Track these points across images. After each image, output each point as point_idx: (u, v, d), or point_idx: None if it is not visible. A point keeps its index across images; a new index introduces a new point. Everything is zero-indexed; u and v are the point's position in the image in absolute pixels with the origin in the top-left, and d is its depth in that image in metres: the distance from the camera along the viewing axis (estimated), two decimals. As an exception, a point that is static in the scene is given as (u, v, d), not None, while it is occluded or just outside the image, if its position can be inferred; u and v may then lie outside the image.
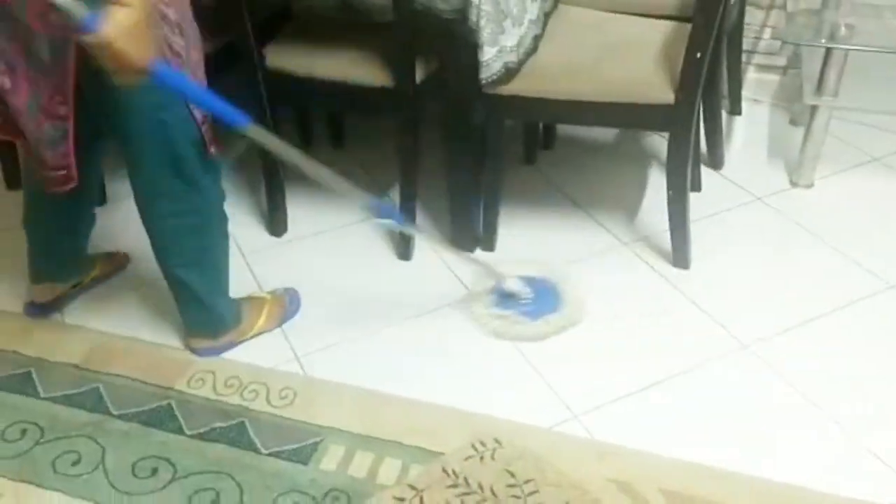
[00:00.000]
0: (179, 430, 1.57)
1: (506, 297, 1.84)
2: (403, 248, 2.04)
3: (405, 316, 1.86)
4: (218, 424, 1.58)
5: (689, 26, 1.67)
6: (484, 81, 1.71)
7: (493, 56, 1.68)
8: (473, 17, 1.63)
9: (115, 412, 1.61)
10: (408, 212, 1.99)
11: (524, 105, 1.80)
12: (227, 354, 1.75)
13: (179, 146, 1.45)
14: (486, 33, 1.65)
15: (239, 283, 1.95)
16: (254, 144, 1.54)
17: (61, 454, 1.53)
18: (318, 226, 2.17)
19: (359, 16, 1.77)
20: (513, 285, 1.84)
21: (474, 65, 1.72)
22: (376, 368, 1.72)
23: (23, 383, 1.68)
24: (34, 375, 1.70)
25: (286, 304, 1.87)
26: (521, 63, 1.76)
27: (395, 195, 2.26)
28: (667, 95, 1.71)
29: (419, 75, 1.81)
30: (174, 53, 1.34)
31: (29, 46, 1.32)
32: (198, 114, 1.44)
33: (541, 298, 1.85)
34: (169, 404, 1.63)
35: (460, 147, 1.90)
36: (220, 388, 1.67)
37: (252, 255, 2.07)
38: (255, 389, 1.66)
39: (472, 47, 1.69)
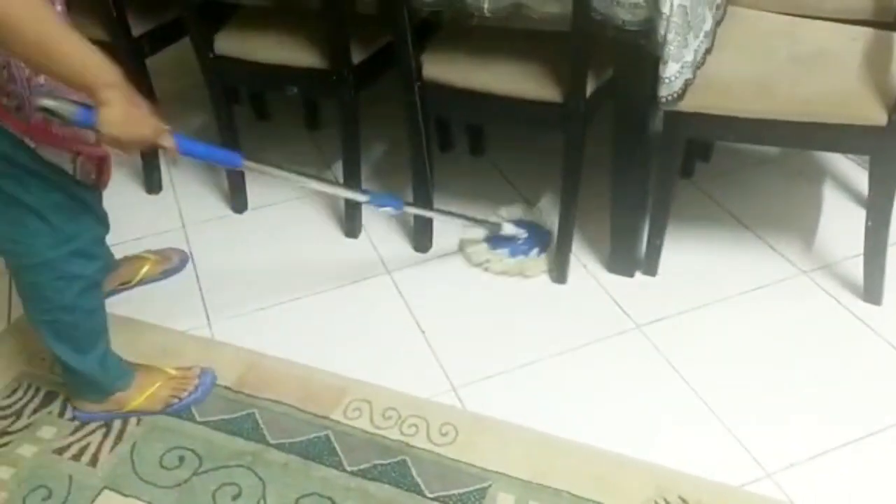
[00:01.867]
0: (339, 466, 1.50)
1: (502, 240, 1.99)
2: (559, 269, 1.91)
3: (563, 347, 1.74)
4: (378, 461, 1.51)
5: (894, 35, 1.48)
6: (664, 100, 1.56)
7: (675, 72, 1.53)
8: (662, 31, 1.48)
9: (272, 441, 1.56)
10: (567, 230, 1.86)
11: (707, 123, 1.64)
12: (381, 381, 1.68)
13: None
14: (672, 48, 1.49)
15: (387, 303, 1.88)
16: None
17: (221, 486, 1.48)
18: (464, 242, 2.07)
19: (530, 23, 1.64)
20: (509, 230, 1.98)
21: (653, 80, 1.58)
22: (537, 405, 1.61)
23: (177, 407, 1.64)
24: (188, 398, 1.66)
25: (186, 390, 1.64)
26: (694, 77, 1.61)
27: (542, 208, 2.14)
28: (879, 116, 1.53)
29: (590, 88, 1.68)
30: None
31: None
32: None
33: (535, 236, 2.00)
34: (327, 436, 1.56)
35: (630, 165, 1.76)
36: (378, 419, 1.59)
37: (398, 272, 1.98)
38: (415, 424, 1.58)
39: (653, 61, 1.54)
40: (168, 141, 1.29)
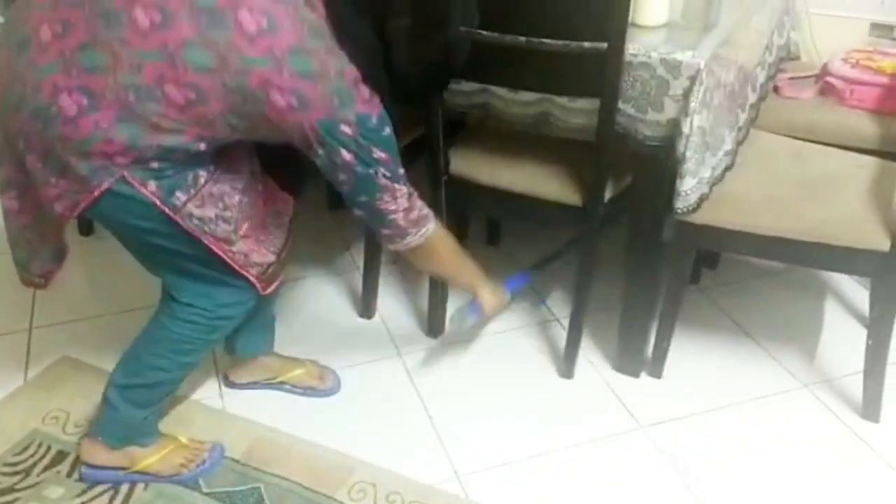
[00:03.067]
0: (341, 547, 1.52)
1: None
2: (566, 365, 1.96)
3: (568, 443, 1.77)
4: (380, 546, 1.52)
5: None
6: (680, 212, 1.64)
7: (692, 187, 1.62)
8: (681, 148, 1.57)
9: (276, 517, 1.57)
10: (577, 326, 1.92)
11: (717, 235, 1.72)
12: (386, 464, 1.70)
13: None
14: (690, 164, 1.58)
15: (395, 386, 1.92)
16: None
17: (223, 559, 1.50)
18: (475, 331, 2.12)
19: (555, 132, 1.73)
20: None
21: (669, 191, 1.67)
22: (538, 499, 1.63)
23: (187, 477, 1.66)
24: (197, 467, 1.68)
25: (195, 462, 1.68)
26: (710, 192, 1.69)
27: (551, 303, 2.21)
28: (881, 242, 1.60)
29: (608, 193, 1.76)
30: (219, 239, 1.45)
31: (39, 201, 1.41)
32: (252, 272, 1.53)
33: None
34: (330, 515, 1.58)
35: (642, 269, 1.82)
36: (382, 502, 1.61)
37: (409, 356, 2.03)
38: (417, 510, 1.60)
39: (670, 173, 1.63)
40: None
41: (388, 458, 1.71)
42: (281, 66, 1.23)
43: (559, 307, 2.20)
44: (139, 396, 1.61)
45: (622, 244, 1.82)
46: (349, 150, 1.32)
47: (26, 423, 1.79)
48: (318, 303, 2.23)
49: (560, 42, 1.56)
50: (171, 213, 1.37)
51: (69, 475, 1.66)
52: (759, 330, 2.10)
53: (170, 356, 1.59)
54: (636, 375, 1.95)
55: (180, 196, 1.37)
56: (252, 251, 1.52)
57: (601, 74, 1.55)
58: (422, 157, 1.93)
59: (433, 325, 2.09)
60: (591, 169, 1.71)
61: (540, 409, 1.87)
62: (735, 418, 1.84)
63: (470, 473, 1.69)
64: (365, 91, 1.32)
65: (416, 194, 1.48)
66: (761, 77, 1.95)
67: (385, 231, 1.48)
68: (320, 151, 1.32)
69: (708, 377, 1.96)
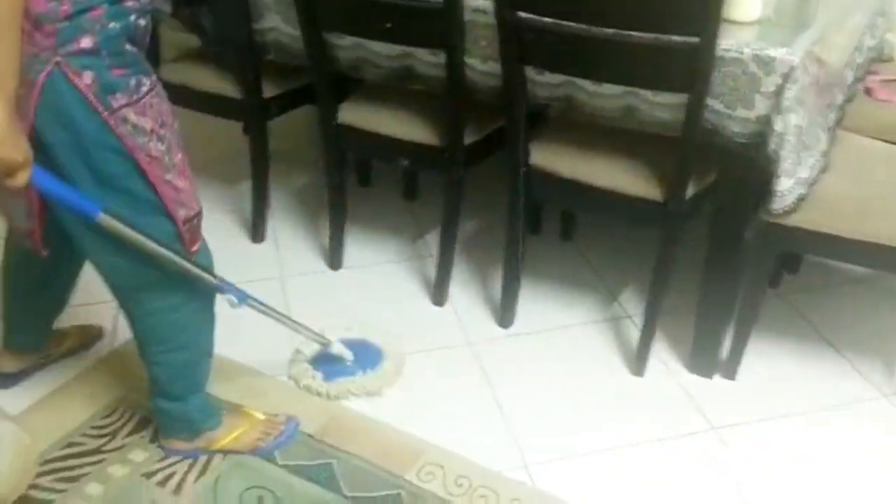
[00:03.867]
0: (410, 526, 1.55)
1: (330, 360, 1.90)
2: (638, 362, 1.94)
3: (636, 439, 1.76)
4: (448, 527, 1.54)
5: None
6: (775, 212, 1.62)
7: (789, 187, 1.59)
8: (773, 146, 1.55)
9: (347, 493, 1.61)
10: (650, 324, 1.90)
11: (807, 238, 1.68)
12: (456, 448, 1.72)
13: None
14: (786, 164, 1.56)
15: (466, 374, 1.94)
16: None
17: (296, 529, 1.54)
18: (547, 322, 2.12)
19: (640, 126, 1.73)
20: (337, 349, 1.90)
21: (756, 191, 1.64)
22: (605, 493, 1.63)
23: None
24: (272, 439, 1.74)
25: (272, 436, 1.72)
26: (807, 194, 1.66)
27: (623, 300, 2.19)
28: (979, 252, 1.55)
29: (690, 190, 1.74)
30: (152, 158, 1.36)
31: None
32: (180, 214, 1.43)
33: (363, 359, 1.92)
34: (399, 494, 1.61)
35: (721, 269, 1.80)
36: (451, 485, 1.63)
37: (479, 345, 2.05)
38: (485, 495, 1.61)
39: (765, 174, 1.61)
40: (28, 174, 1.26)
41: (457, 442, 1.73)
42: None
43: (632, 304, 2.18)
44: (179, 389, 1.62)
45: (699, 241, 1.80)
46: None
47: (114, 388, 1.87)
48: (391, 289, 2.27)
49: (650, 35, 1.55)
50: (105, 113, 1.28)
51: (152, 441, 1.73)
52: (839, 337, 2.05)
53: (169, 342, 1.56)
54: (709, 377, 1.93)
55: (119, 97, 1.30)
56: (184, 190, 1.43)
57: (691, 69, 1.54)
58: (502, 149, 1.95)
59: (505, 315, 2.10)
60: (674, 164, 1.70)
61: (609, 404, 1.86)
62: (810, 425, 1.80)
63: (537, 463, 1.70)
64: None
65: None
66: (849, 78, 1.90)
67: None
68: None
69: (783, 382, 1.92)
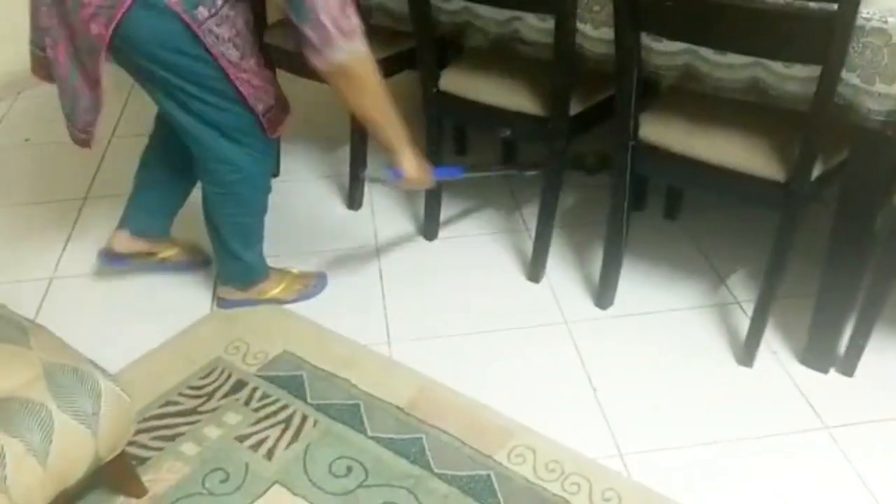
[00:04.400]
0: (499, 509, 1.51)
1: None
2: (746, 352, 1.83)
3: (741, 434, 1.66)
4: (538, 513, 1.50)
5: None
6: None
7: (926, 171, 1.44)
8: (915, 126, 1.40)
9: (436, 469, 1.58)
10: (763, 311, 1.78)
11: (945, 229, 1.53)
12: (548, 431, 1.67)
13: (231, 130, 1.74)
14: (925, 145, 1.41)
15: (560, 354, 1.88)
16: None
17: (383, 503, 1.52)
18: (648, 305, 2.02)
19: (765, 99, 1.60)
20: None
21: (891, 175, 1.50)
22: (707, 489, 1.55)
23: (352, 416, 1.70)
24: (362, 410, 1.72)
25: (310, 285, 2.07)
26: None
27: (732, 284, 2.07)
28: None
29: (816, 171, 1.61)
30: (231, 62, 1.62)
31: (73, 34, 1.60)
32: (259, 107, 1.71)
33: None
34: (489, 476, 1.57)
35: (845, 256, 1.66)
36: (541, 470, 1.58)
37: (575, 325, 1.97)
38: (577, 482, 1.55)
39: (894, 153, 1.47)
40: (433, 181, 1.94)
41: (549, 426, 1.68)
42: None
43: (741, 289, 2.06)
44: (248, 242, 1.94)
45: (820, 221, 1.66)
46: None
47: (211, 350, 1.90)
48: (487, 261, 2.21)
49: (781, 0, 1.42)
50: (194, 25, 1.53)
51: (247, 403, 1.74)
52: (974, 336, 1.88)
53: (236, 209, 1.87)
54: (825, 371, 1.80)
55: (202, 11, 1.53)
56: (259, 87, 1.69)
57: (827, 39, 1.40)
58: (610, 119, 1.85)
59: (605, 295, 2.01)
60: (799, 142, 1.57)
61: (713, 395, 1.76)
62: (937, 431, 1.66)
63: (633, 453, 1.63)
64: None
65: (352, 4, 1.53)
66: None
67: (309, 32, 1.51)
68: None
69: (906, 381, 1.77)
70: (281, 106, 1.80)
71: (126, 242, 2.09)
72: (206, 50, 1.58)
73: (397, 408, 1.72)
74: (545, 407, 1.74)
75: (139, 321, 2.01)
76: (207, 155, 1.77)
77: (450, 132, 2.70)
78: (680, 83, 1.70)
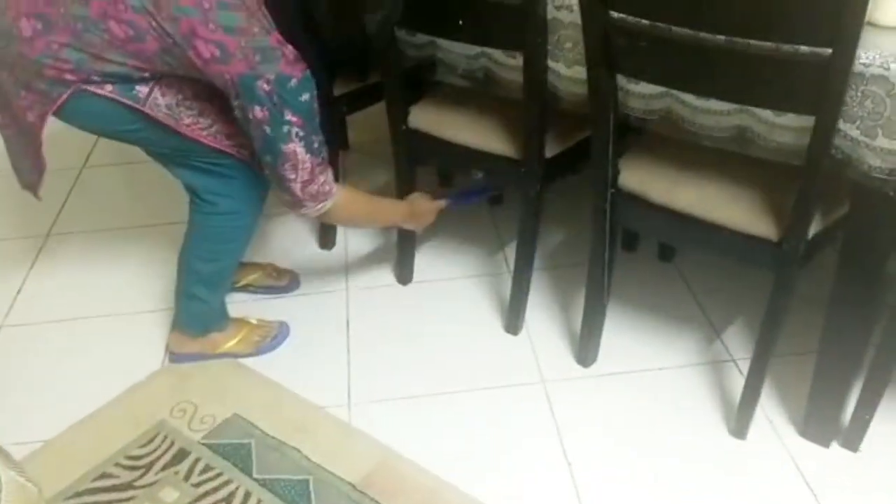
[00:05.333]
0: None
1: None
2: (740, 423, 1.65)
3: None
4: None
5: None
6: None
7: (934, 234, 1.27)
8: (922, 186, 1.22)
9: (386, 561, 1.43)
10: (757, 377, 1.61)
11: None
12: (510, 491, 1.51)
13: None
14: (936, 205, 1.23)
15: (534, 422, 1.72)
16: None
17: None
18: (634, 362, 1.85)
19: (754, 150, 1.43)
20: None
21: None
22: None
23: (299, 494, 1.55)
24: (311, 486, 1.57)
25: (269, 337, 1.94)
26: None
27: (728, 339, 1.90)
28: None
29: (813, 229, 1.44)
30: (189, 126, 1.56)
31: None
32: (244, 153, 1.63)
33: None
34: (444, 569, 1.41)
35: (846, 319, 1.49)
36: (503, 562, 1.42)
37: (553, 385, 1.81)
38: (543, 578, 1.39)
39: (897, 210, 1.29)
40: (441, 209, 1.94)
41: (517, 501, 1.52)
42: (207, 17, 1.36)
43: (738, 344, 1.88)
44: (215, 284, 1.83)
45: (825, 272, 1.48)
46: (263, 108, 1.42)
47: (156, 411, 1.76)
48: (462, 309, 2.05)
49: (769, 44, 1.25)
50: (137, 105, 1.49)
51: (186, 478, 1.60)
52: None
53: (217, 246, 1.77)
54: (826, 445, 1.62)
55: (141, 89, 1.48)
56: (231, 132, 1.59)
57: (821, 87, 1.23)
58: (587, 164, 1.69)
59: (586, 351, 1.85)
60: (791, 196, 1.39)
61: (700, 469, 1.59)
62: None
63: (607, 531, 1.47)
64: (290, 53, 1.42)
65: (324, 170, 1.55)
66: None
67: (284, 195, 1.57)
68: (236, 103, 1.43)
69: (920, 459, 1.59)
70: None
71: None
72: (160, 123, 1.53)
73: (350, 485, 1.57)
74: (513, 483, 1.58)
75: (89, 376, 1.88)
76: (201, 200, 1.72)
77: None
78: (660, 129, 1.54)
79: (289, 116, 1.44)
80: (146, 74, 1.47)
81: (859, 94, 1.24)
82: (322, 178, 1.56)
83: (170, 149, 1.62)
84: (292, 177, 1.51)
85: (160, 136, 1.57)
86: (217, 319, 1.90)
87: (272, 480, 1.58)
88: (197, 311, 1.87)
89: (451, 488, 1.56)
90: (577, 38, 1.52)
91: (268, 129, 1.45)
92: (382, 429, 1.70)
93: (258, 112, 1.43)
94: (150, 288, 2.15)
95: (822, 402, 1.60)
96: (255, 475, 1.60)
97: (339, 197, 1.62)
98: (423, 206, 1.90)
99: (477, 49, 1.71)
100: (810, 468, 1.58)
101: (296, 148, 1.47)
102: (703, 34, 1.30)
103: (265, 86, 1.40)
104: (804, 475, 1.57)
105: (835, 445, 1.62)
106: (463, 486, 1.56)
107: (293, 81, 1.42)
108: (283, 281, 2.14)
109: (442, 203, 1.94)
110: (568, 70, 1.59)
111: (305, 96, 1.45)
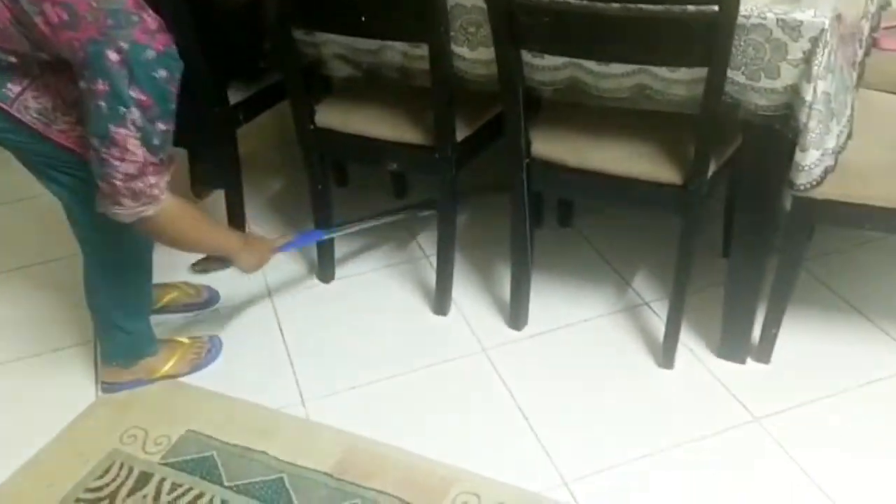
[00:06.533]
0: (451, 568, 1.42)
1: None
2: (666, 355, 1.83)
3: (678, 440, 1.64)
4: (493, 564, 1.42)
5: None
6: (802, 188, 1.50)
7: (815, 160, 1.47)
8: (803, 118, 1.42)
9: (379, 537, 1.48)
10: (676, 313, 1.78)
11: (840, 211, 1.57)
12: (485, 471, 1.59)
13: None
14: (813, 135, 1.43)
15: (484, 385, 1.81)
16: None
17: (328, 586, 1.40)
18: (561, 319, 1.99)
19: (653, 105, 1.59)
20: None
21: (781, 163, 1.52)
22: (655, 500, 1.52)
23: (277, 492, 1.57)
24: (287, 483, 1.59)
25: (203, 353, 1.91)
26: (835, 165, 1.54)
27: (638, 286, 2.07)
28: None
29: (711, 168, 1.62)
30: (60, 132, 1.45)
31: None
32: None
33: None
34: (436, 532, 1.48)
35: (747, 248, 1.68)
36: (487, 516, 1.51)
37: (493, 350, 1.91)
38: (528, 521, 1.49)
39: (784, 143, 1.49)
40: (280, 243, 1.85)
41: (488, 464, 1.61)
42: None
43: (648, 289, 2.06)
44: (124, 308, 1.77)
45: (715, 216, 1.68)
46: (106, 80, 1.27)
47: (104, 443, 1.71)
48: (391, 297, 2.12)
49: (661, 7, 1.41)
50: (4, 105, 1.38)
51: (156, 498, 1.57)
52: (869, 304, 1.95)
53: (119, 272, 1.72)
54: (742, 362, 1.82)
55: (12, 87, 1.38)
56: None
57: (710, 41, 1.40)
58: (500, 139, 1.80)
59: (517, 316, 1.97)
60: (692, 144, 1.57)
61: (642, 403, 1.75)
62: (854, 403, 1.70)
63: (577, 479, 1.58)
64: (151, 20, 1.29)
65: (158, 171, 1.39)
66: (866, 30, 1.78)
67: (100, 183, 1.38)
68: (85, 74, 1.28)
69: (820, 360, 1.82)
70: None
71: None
72: (31, 130, 1.42)
73: (326, 474, 1.60)
74: (479, 444, 1.67)
75: (20, 418, 1.79)
76: (79, 220, 1.62)
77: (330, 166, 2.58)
78: (566, 98, 1.67)
79: (134, 93, 1.28)
80: (14, 61, 1.35)
81: (742, 42, 1.43)
82: (152, 180, 1.39)
83: (42, 157, 1.48)
84: (115, 164, 1.33)
85: (30, 142, 1.44)
86: (146, 345, 1.85)
87: (245, 485, 1.59)
88: (122, 342, 1.81)
89: (423, 459, 1.63)
90: (480, 20, 1.63)
91: (103, 105, 1.28)
92: (342, 419, 1.74)
93: (100, 85, 1.27)
94: (65, 323, 2.06)
95: (734, 325, 1.80)
96: (225, 483, 1.59)
97: (167, 206, 1.44)
98: (258, 245, 1.81)
99: (378, 43, 1.78)
100: (734, 383, 1.77)
101: (127, 135, 1.31)
102: (599, 4, 1.44)
103: (114, 55, 1.25)
104: (729, 389, 1.76)
105: (750, 361, 1.83)
106: (433, 455, 1.63)
107: (149, 53, 1.27)
108: (202, 296, 2.12)
109: (278, 244, 1.87)
110: (472, 52, 1.69)
111: (162, 73, 1.30)
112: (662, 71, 1.54)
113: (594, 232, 2.29)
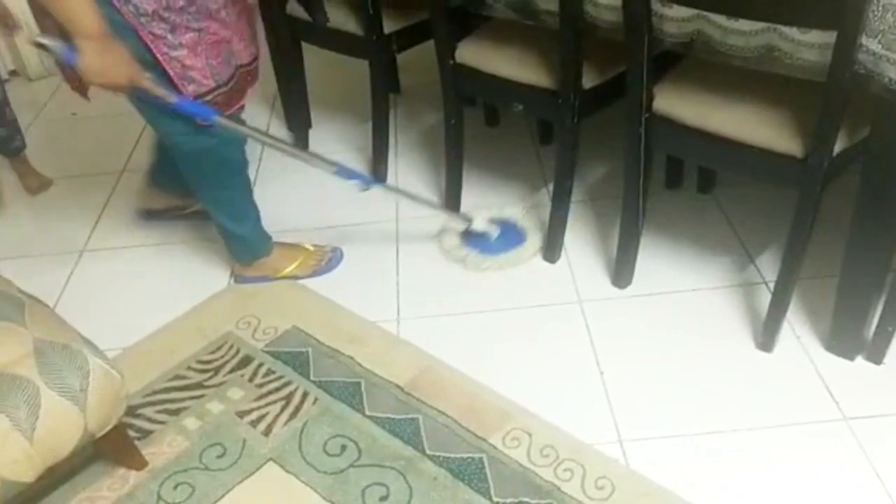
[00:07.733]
0: (487, 493, 1.48)
1: (476, 236, 2.09)
2: (766, 336, 1.73)
3: (753, 423, 1.58)
4: (526, 499, 1.46)
5: None
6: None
7: (952, 145, 1.32)
8: (939, 97, 1.27)
9: (429, 451, 1.56)
10: (784, 293, 1.68)
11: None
12: (549, 414, 1.62)
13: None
14: (951, 117, 1.28)
15: (569, 335, 1.83)
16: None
17: (372, 484, 1.52)
18: (669, 284, 1.94)
19: (780, 68, 1.48)
20: (479, 226, 2.09)
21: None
22: (708, 481, 1.48)
23: (352, 394, 1.70)
24: (363, 388, 1.72)
25: (325, 261, 2.06)
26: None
27: (761, 263, 1.96)
28: None
29: (838, 146, 1.49)
30: (156, 36, 1.53)
31: None
32: (189, 88, 1.63)
33: (506, 235, 2.11)
34: (481, 459, 1.54)
35: (870, 235, 1.55)
36: (535, 455, 1.54)
37: (589, 304, 1.91)
38: (571, 469, 1.51)
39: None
40: (146, 83, 1.55)
41: (549, 409, 1.64)
42: None
43: (771, 268, 1.94)
44: (226, 216, 1.93)
45: (849, 198, 1.54)
46: None
47: (223, 324, 1.92)
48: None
49: (792, -39, 1.31)
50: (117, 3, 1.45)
51: (251, 379, 1.76)
52: None
53: (206, 181, 1.87)
54: (850, 358, 1.69)
55: None
56: (192, 67, 1.60)
57: (842, 1, 1.28)
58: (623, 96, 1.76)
59: (621, 274, 1.94)
60: (818, 114, 1.45)
61: (726, 380, 1.68)
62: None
63: (633, 440, 1.57)
64: None
65: None
66: None
67: None
68: None
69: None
70: (234, 85, 1.73)
71: (159, 198, 2.21)
72: (124, 19, 1.49)
73: (397, 387, 1.71)
74: (548, 389, 1.69)
75: (161, 295, 2.05)
76: (158, 129, 1.80)
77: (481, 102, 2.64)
78: (694, 52, 1.60)
79: None
80: None
81: (880, 8, 1.29)
82: None
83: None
84: None
85: (124, 33, 1.50)
86: (258, 249, 2.02)
87: (328, 382, 1.74)
88: (236, 245, 2.02)
89: (490, 391, 1.68)
90: (612, -36, 1.59)
91: None
92: (428, 341, 1.83)
93: None
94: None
95: (846, 317, 1.67)
96: (312, 378, 1.75)
97: None
98: (118, 54, 1.49)
99: (517, -19, 1.79)
100: (834, 378, 1.65)
101: None
102: (730, -45, 1.37)
103: None
104: (827, 385, 1.64)
105: (859, 359, 1.69)
106: (501, 390, 1.69)
107: None
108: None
109: (146, 78, 1.56)
110: (604, -3, 1.66)
111: None
112: (792, 32, 1.43)
113: (732, 203, 2.18)
